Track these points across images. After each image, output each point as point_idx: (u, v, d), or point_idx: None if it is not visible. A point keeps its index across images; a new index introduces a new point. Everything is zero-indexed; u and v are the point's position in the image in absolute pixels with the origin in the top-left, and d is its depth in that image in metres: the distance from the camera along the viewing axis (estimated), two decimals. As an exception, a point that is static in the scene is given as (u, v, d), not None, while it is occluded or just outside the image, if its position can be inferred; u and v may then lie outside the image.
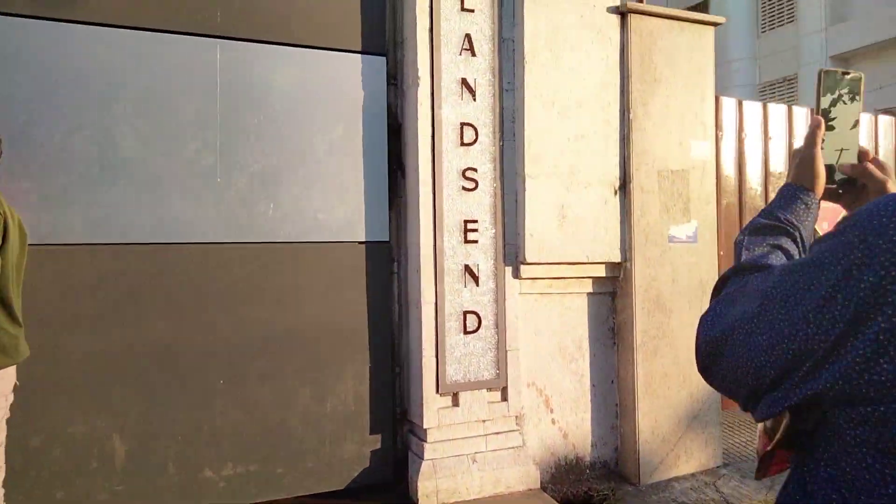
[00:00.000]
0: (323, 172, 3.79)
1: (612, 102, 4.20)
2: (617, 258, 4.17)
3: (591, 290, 4.23)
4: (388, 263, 3.96)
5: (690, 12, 4.43)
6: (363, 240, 3.87)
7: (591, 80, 4.14)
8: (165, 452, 3.44)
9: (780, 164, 5.18)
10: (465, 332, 3.84)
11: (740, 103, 5.05)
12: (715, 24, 4.48)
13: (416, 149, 3.80)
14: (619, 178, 4.21)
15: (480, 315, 3.87)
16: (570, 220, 4.06)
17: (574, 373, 4.20)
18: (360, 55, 3.89)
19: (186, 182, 3.52)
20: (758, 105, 5.15)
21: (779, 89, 15.39)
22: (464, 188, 3.85)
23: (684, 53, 4.38)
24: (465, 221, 3.85)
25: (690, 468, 4.31)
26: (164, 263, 3.46)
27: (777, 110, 5.22)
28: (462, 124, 3.86)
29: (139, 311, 3.41)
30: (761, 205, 5.09)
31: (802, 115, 5.32)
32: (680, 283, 4.30)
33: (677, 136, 4.35)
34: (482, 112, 3.92)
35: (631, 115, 4.21)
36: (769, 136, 5.19)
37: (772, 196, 5.31)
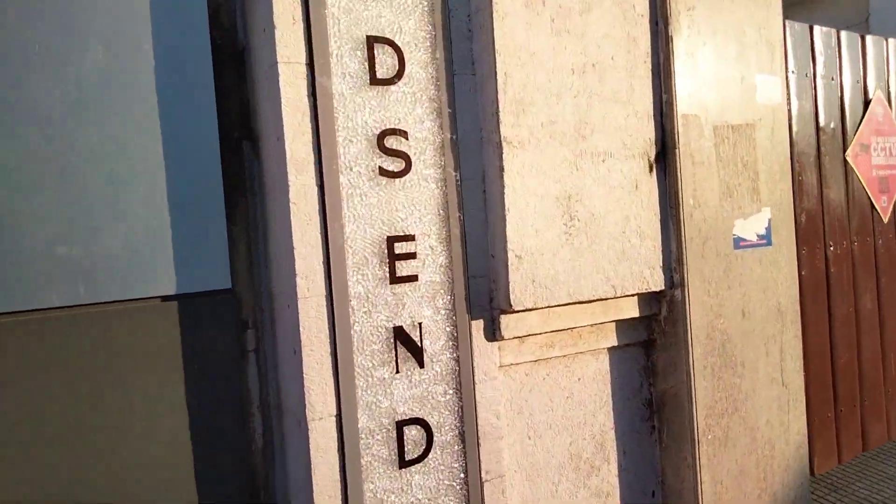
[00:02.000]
0: (65, 149, 1.69)
1: (640, 5, 2.34)
2: (659, 284, 2.35)
3: (615, 342, 2.39)
4: (234, 334, 1.93)
5: None
6: (171, 292, 1.81)
7: (604, -38, 2.25)
8: None
9: (834, 116, 3.55)
10: (403, 464, 1.90)
11: (811, 28, 3.38)
12: None
13: (276, 94, 1.77)
14: (656, 142, 2.37)
15: (430, 424, 1.94)
16: (583, 221, 2.18)
17: (595, 492, 2.37)
18: None
19: None
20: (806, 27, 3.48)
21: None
22: (382, 171, 1.88)
23: (741, -75, 2.58)
24: (390, 239, 1.89)
25: None
26: None
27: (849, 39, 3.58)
28: (371, 40, 1.87)
29: None
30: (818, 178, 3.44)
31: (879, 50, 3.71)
32: (753, 315, 2.55)
33: (737, 68, 2.56)
34: (411, 14, 1.94)
35: (671, 29, 2.36)
36: (817, 74, 3.54)
37: (827, 161, 3.71)
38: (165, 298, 1.79)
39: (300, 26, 1.78)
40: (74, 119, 1.69)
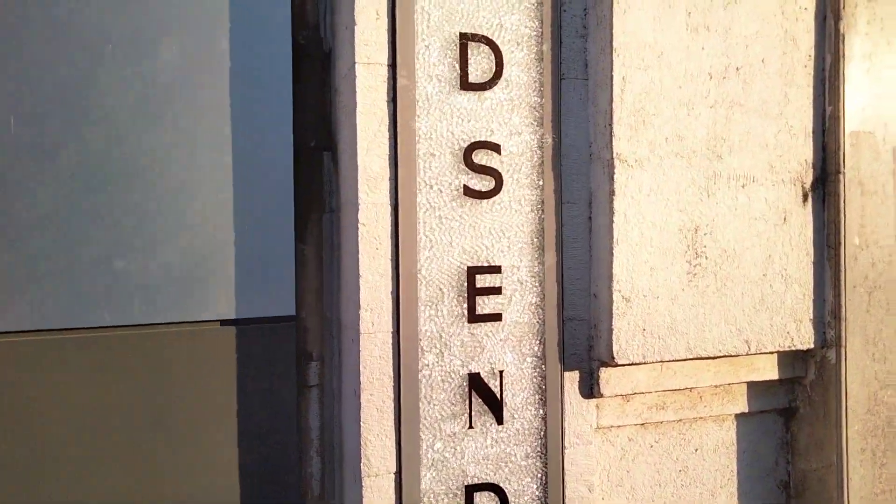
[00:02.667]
0: (130, 152, 1.58)
1: (802, -4, 1.91)
2: (807, 341, 1.90)
3: (745, 408, 1.97)
4: (294, 366, 1.74)
5: None
6: (230, 316, 1.65)
7: (759, -56, 1.84)
8: None
9: None
10: (471, 536, 1.62)
11: None
12: None
13: (352, 98, 1.56)
14: (814, 165, 1.93)
15: (506, 492, 1.65)
16: (712, 259, 1.80)
17: (709, 587, 1.96)
18: None
19: None
20: None
21: None
22: (467, 190, 1.61)
23: None
24: (472, 270, 1.62)
25: None
26: None
27: None
28: (465, 38, 1.61)
29: None
30: None
31: None
32: (932, 387, 2.03)
33: (930, 74, 2.04)
34: (514, 8, 1.66)
35: (843, 25, 1.91)
36: None
37: None
38: (224, 322, 1.63)
39: (384, 22, 1.55)
40: (142, 121, 1.57)
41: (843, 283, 1.90)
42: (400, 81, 1.55)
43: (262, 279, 1.66)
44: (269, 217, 1.68)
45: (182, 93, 1.61)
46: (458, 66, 1.60)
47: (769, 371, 1.93)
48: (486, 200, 1.63)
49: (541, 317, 1.68)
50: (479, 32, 1.62)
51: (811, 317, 1.89)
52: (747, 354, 1.85)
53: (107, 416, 1.55)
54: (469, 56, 1.61)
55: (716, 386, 1.89)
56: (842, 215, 1.90)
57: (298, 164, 1.72)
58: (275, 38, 1.69)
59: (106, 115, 1.55)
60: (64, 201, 1.53)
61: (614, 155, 1.69)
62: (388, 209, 1.55)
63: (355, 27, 1.53)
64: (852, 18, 1.91)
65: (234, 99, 1.66)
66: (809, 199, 1.91)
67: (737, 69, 1.83)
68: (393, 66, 1.56)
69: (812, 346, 1.90)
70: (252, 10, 1.68)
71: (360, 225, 1.53)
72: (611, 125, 1.69)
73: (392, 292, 1.56)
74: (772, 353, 1.90)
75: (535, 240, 1.68)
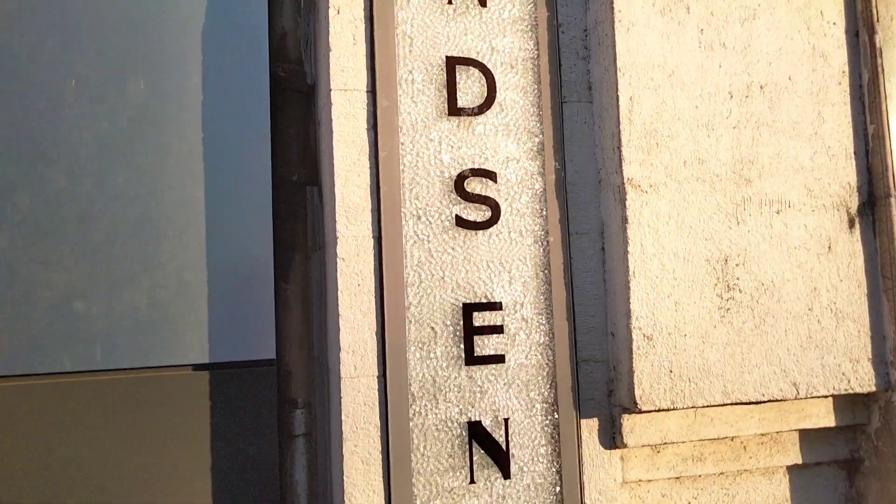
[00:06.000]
0: (91, 191, 1.51)
1: (829, 10, 1.75)
2: (867, 384, 1.64)
3: (797, 459, 1.70)
4: (276, 414, 1.59)
5: None
6: (202, 360, 1.52)
7: (774, -45, 1.71)
8: None
9: None
10: None
11: None
12: None
13: (329, 126, 1.48)
14: (859, 189, 1.72)
15: (515, 562, 1.43)
16: (747, 293, 1.59)
17: None
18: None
19: None
20: None
21: None
22: (460, 221, 1.48)
23: None
24: (468, 307, 1.46)
25: None
26: None
27: None
28: (452, 61, 1.52)
29: None
30: None
31: None
32: None
33: None
34: (506, 31, 1.57)
35: (879, 39, 1.74)
36: None
37: None
38: (197, 367, 1.51)
39: (362, 48, 1.48)
40: (105, 158, 1.52)
41: (904, 317, 1.65)
42: (380, 107, 1.46)
43: (237, 321, 1.55)
44: (245, 255, 1.58)
45: (149, 127, 1.56)
46: (445, 91, 1.51)
47: (824, 417, 1.67)
48: (481, 231, 1.49)
49: (550, 358, 1.50)
50: (468, 56, 1.53)
51: (870, 356, 1.64)
52: (796, 399, 1.60)
53: (66, 470, 1.43)
54: (457, 80, 1.52)
55: (762, 435, 1.64)
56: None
57: (280, 199, 1.63)
58: (251, 71, 1.64)
59: (65, 152, 1.50)
60: (19, 241, 1.47)
61: (625, 180, 1.54)
62: (370, 242, 1.43)
63: (330, 52, 1.47)
64: (889, 32, 1.75)
65: (206, 133, 1.59)
66: (857, 226, 1.70)
67: (761, 87, 1.67)
68: (373, 91, 1.47)
69: (874, 388, 1.63)
70: (226, 43, 1.63)
71: (339, 260, 1.41)
72: (619, 148, 1.55)
73: (377, 332, 1.42)
74: (825, 396, 1.65)
75: (541, 273, 1.52)
